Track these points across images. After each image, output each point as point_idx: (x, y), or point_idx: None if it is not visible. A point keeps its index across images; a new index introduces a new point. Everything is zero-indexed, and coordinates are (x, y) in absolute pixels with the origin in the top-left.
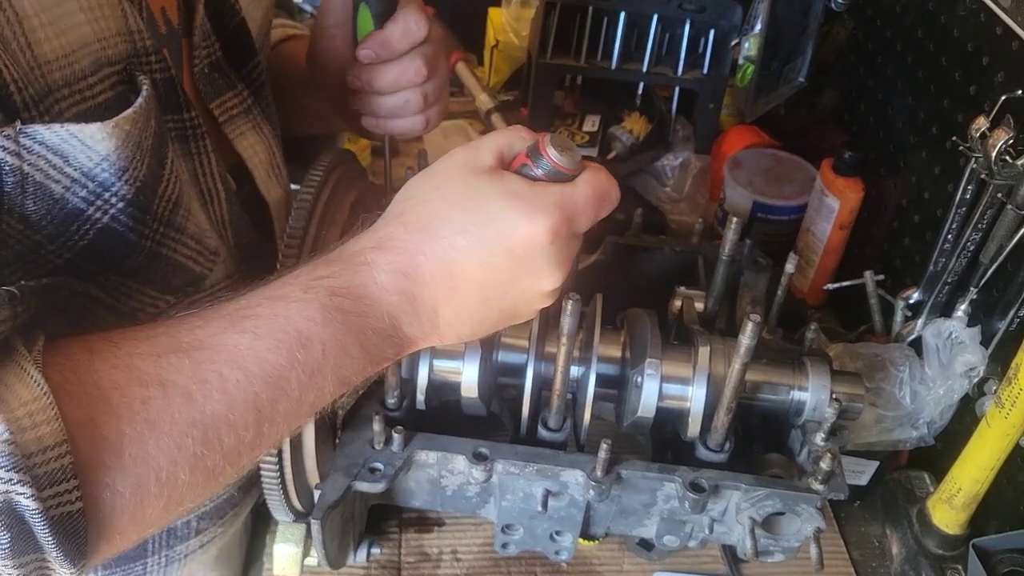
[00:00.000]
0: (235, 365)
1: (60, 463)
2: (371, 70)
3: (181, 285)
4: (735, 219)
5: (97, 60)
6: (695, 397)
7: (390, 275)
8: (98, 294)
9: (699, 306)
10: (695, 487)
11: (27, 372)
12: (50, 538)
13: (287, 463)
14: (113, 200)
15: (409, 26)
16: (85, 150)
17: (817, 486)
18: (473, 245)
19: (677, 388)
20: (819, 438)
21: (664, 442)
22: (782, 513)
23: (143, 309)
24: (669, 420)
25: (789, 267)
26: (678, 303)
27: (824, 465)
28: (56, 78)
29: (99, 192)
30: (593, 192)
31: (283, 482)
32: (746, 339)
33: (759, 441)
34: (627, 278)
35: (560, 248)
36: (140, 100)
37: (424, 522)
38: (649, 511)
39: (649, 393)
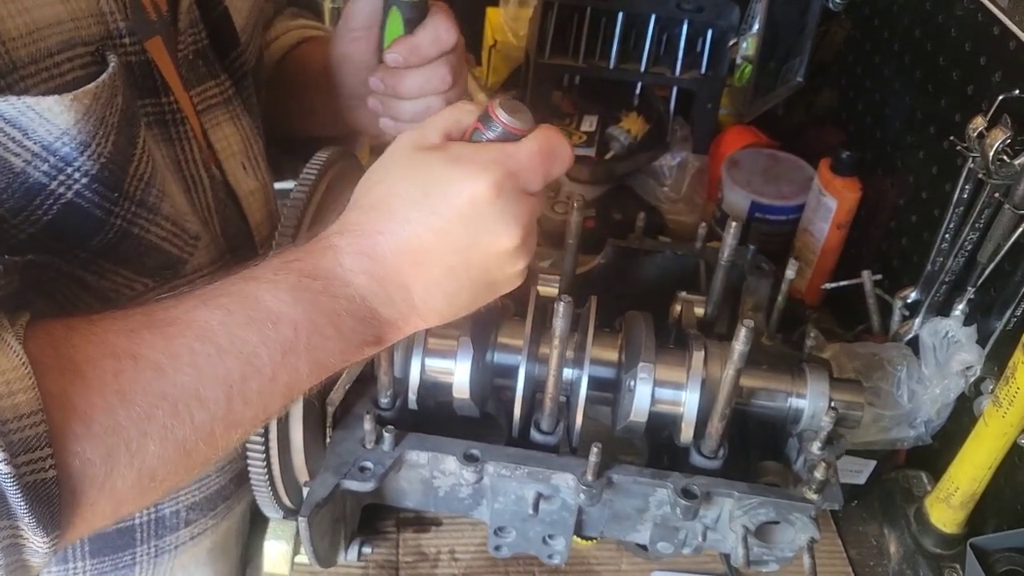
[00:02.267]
0: (206, 340)
1: (35, 431)
2: (396, 74)
3: (158, 267)
4: (734, 224)
5: (69, 39)
6: (688, 402)
7: (353, 256)
8: (83, 276)
9: (699, 311)
10: (687, 493)
11: (7, 343)
12: (23, 503)
13: (274, 459)
14: (76, 175)
15: (440, 33)
16: (44, 123)
17: (811, 495)
18: (424, 215)
19: (670, 393)
20: (815, 447)
21: (660, 446)
22: (776, 522)
23: (119, 291)
24: (663, 425)
25: (790, 273)
26: (678, 307)
27: (818, 475)
28: (21, 55)
29: (61, 167)
30: (539, 148)
31: (271, 478)
32: (740, 345)
33: (757, 448)
34: (628, 282)
35: (508, 203)
36: (104, 76)
37: (421, 522)
38: (642, 516)
39: (642, 397)
